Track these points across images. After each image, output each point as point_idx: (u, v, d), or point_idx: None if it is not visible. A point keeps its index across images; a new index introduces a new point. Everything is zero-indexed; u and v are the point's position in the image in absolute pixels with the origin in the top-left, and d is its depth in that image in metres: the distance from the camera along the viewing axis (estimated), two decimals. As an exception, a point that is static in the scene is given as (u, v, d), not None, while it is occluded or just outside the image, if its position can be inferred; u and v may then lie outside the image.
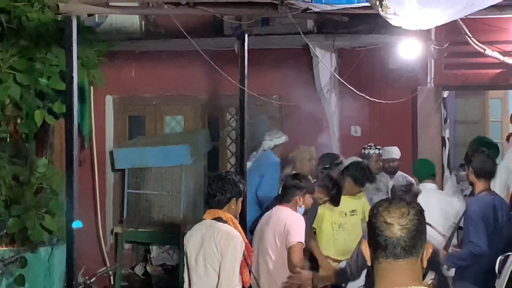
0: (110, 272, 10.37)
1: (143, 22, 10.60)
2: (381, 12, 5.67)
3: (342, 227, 8.28)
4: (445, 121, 10.36)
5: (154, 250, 10.85)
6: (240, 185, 6.12)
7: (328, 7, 6.56)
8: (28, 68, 8.63)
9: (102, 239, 11.00)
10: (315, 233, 8.29)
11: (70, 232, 6.73)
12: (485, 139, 9.17)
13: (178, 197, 10.38)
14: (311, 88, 10.17)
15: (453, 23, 8.38)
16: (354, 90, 8.57)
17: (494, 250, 6.49)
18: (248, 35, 8.59)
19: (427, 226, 2.82)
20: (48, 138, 9.70)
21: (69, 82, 6.76)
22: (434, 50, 9.99)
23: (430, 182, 8.04)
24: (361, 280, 6.31)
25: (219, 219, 6.01)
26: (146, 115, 11.24)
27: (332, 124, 10.41)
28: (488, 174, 6.84)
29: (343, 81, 8.76)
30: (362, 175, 8.31)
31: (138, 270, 10.95)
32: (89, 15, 7.16)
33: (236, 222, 6.14)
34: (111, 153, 10.93)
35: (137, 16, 10.40)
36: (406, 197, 5.44)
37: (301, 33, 7.79)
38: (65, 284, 6.87)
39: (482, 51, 9.85)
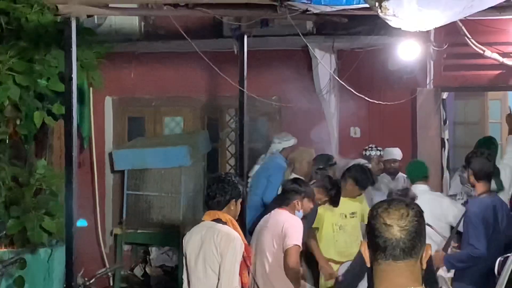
0: (110, 274, 10.38)
1: (142, 24, 10.60)
2: (380, 14, 5.66)
3: (342, 229, 8.27)
4: (445, 122, 10.36)
5: (154, 251, 10.86)
6: (240, 187, 6.12)
7: (328, 8, 6.55)
8: (28, 70, 8.63)
9: (101, 241, 11.00)
10: (315, 232, 8.28)
11: (70, 234, 6.73)
12: (492, 140, 9.14)
13: (177, 198, 10.38)
14: (310, 89, 10.17)
15: (453, 25, 8.38)
16: (354, 91, 8.56)
17: (494, 251, 6.48)
18: (247, 36, 8.59)
19: (426, 227, 2.82)
20: (47, 140, 9.69)
21: (68, 84, 6.75)
22: (434, 52, 9.99)
23: (422, 184, 8.05)
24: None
25: (218, 220, 6.00)
26: (146, 116, 11.25)
27: (331, 125, 10.42)
28: (487, 175, 6.84)
29: (342, 83, 8.75)
30: (364, 177, 8.29)
31: (138, 271, 10.95)
32: (89, 16, 7.15)
33: (236, 223, 6.14)
34: (110, 154, 10.93)
35: (137, 17, 10.40)
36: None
37: (300, 34, 7.78)
38: (65, 285, 6.86)
39: (482, 52, 9.85)
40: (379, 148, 9.86)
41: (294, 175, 8.43)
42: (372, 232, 2.74)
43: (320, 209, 7.98)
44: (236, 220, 6.20)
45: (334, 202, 7.85)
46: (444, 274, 7.06)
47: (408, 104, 10.08)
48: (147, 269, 10.87)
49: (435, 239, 7.27)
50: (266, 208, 8.50)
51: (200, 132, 10.94)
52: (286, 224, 6.87)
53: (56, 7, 6.57)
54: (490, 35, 9.75)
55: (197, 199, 10.53)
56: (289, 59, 10.25)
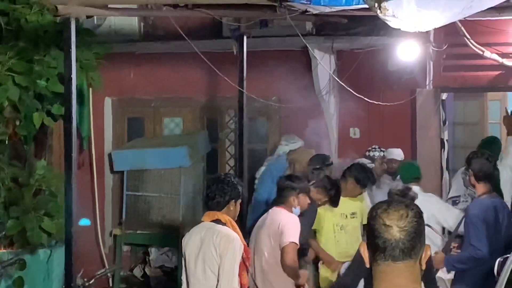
0: (109, 274, 10.36)
1: (142, 24, 10.60)
2: (379, 14, 5.66)
3: (343, 229, 8.27)
4: (444, 123, 10.36)
5: (153, 252, 10.85)
6: (239, 187, 6.13)
7: (327, 9, 6.54)
8: (27, 70, 8.63)
9: (101, 241, 10.99)
10: (315, 233, 8.28)
11: (69, 234, 6.73)
12: (496, 140, 9.12)
13: (177, 199, 10.37)
14: (310, 90, 10.17)
15: (452, 25, 8.38)
16: (353, 92, 8.57)
17: (495, 252, 6.48)
18: (246, 37, 8.59)
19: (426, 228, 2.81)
20: (47, 140, 9.70)
21: (68, 84, 6.75)
22: (433, 52, 9.99)
23: (414, 185, 8.06)
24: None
25: (218, 221, 6.01)
26: (145, 117, 11.24)
27: (331, 126, 10.41)
28: (488, 176, 6.83)
29: (342, 83, 8.75)
30: (364, 176, 8.30)
31: (137, 272, 10.94)
32: (88, 17, 7.14)
33: (235, 224, 6.14)
34: (109, 155, 10.93)
35: (136, 18, 10.40)
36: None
37: (300, 35, 7.78)
38: (64, 286, 6.86)
39: (481, 53, 9.85)
40: (382, 149, 9.86)
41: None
42: (371, 233, 2.74)
43: (321, 210, 7.98)
44: (236, 221, 6.20)
45: (334, 202, 7.85)
46: (444, 275, 7.06)
47: (407, 105, 10.07)
48: (147, 270, 10.86)
49: (434, 240, 7.27)
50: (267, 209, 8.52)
51: (200, 132, 10.93)
52: (283, 222, 6.89)
53: (56, 7, 6.56)
54: (489, 36, 9.74)
55: (196, 200, 10.52)
56: (289, 59, 10.25)
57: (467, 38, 9.79)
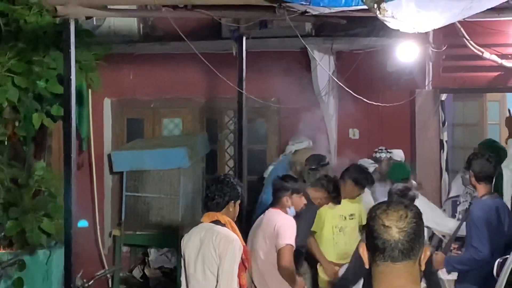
0: (108, 275, 10.36)
1: (141, 25, 10.60)
2: (379, 15, 5.67)
3: (342, 231, 8.26)
4: (443, 123, 10.36)
5: (152, 253, 10.85)
6: (238, 188, 6.13)
7: (326, 10, 6.54)
8: (26, 71, 8.63)
9: (100, 242, 10.98)
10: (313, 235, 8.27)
11: (68, 235, 6.73)
12: (495, 143, 9.15)
13: (176, 200, 10.37)
14: (309, 91, 10.17)
15: (451, 26, 8.38)
16: (352, 93, 8.56)
17: (496, 253, 6.47)
18: (246, 38, 8.60)
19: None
20: (46, 141, 9.70)
21: (67, 85, 6.75)
22: (432, 53, 9.99)
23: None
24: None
25: (217, 222, 6.00)
26: (144, 118, 11.23)
27: (330, 127, 10.41)
28: (488, 177, 6.83)
29: (341, 84, 8.74)
30: (363, 176, 8.30)
31: (136, 273, 10.94)
32: (87, 18, 7.15)
33: (234, 225, 6.14)
34: (109, 156, 10.92)
35: (135, 19, 10.40)
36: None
37: (299, 36, 7.78)
38: (63, 287, 6.86)
39: (480, 54, 9.85)
40: (389, 151, 9.85)
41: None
42: (370, 234, 2.74)
43: (321, 210, 7.97)
44: (235, 222, 6.20)
45: (335, 198, 7.80)
46: (444, 276, 7.06)
47: (407, 106, 10.07)
48: (146, 271, 10.86)
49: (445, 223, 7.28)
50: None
51: (199, 133, 10.93)
52: (278, 224, 6.89)
53: (55, 8, 6.56)
54: (488, 37, 9.75)
55: (196, 201, 10.52)
56: (288, 60, 10.25)
57: (467, 39, 9.79)
